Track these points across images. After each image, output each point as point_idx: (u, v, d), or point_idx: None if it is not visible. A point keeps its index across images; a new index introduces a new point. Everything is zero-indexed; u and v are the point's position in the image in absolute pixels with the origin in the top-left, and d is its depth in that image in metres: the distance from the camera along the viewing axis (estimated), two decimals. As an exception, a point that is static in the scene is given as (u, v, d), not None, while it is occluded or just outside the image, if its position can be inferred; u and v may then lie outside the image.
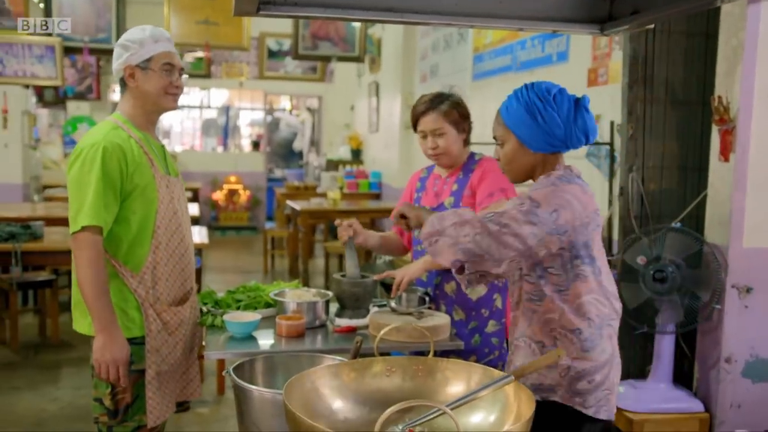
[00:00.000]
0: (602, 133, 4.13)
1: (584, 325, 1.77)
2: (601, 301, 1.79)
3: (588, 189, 1.80)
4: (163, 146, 2.37)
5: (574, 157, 4.34)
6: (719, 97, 3.00)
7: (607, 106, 4.08)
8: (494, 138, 1.90)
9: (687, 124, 3.40)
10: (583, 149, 4.27)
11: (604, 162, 4.10)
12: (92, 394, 2.22)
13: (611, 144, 4.00)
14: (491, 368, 1.63)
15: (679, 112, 3.36)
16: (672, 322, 3.10)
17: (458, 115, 2.58)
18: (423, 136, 2.61)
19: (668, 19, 2.90)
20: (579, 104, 1.83)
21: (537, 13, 1.73)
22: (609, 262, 3.49)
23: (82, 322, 2.23)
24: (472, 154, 2.71)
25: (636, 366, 3.37)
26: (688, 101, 3.37)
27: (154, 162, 2.22)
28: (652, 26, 2.98)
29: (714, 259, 3.01)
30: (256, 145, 12.71)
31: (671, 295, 3.04)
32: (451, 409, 1.28)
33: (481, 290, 2.54)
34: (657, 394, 3.11)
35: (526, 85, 1.85)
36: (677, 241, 3.05)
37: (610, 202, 4.00)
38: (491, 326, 2.56)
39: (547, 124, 1.78)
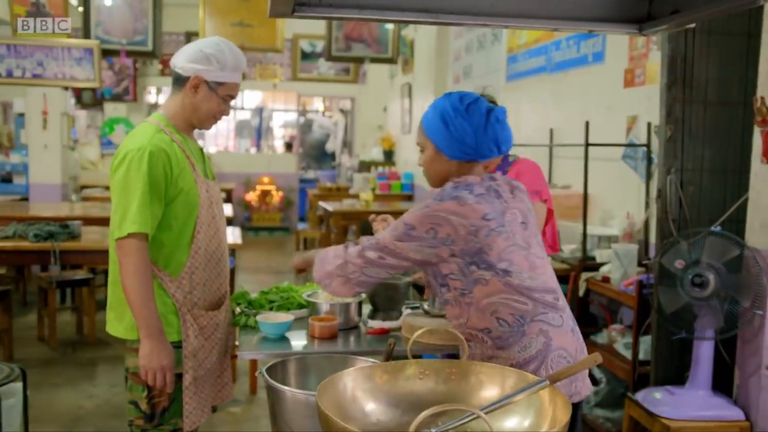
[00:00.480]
0: (639, 135, 4.07)
1: (494, 324, 1.82)
2: (516, 300, 1.81)
3: (469, 199, 1.79)
4: (201, 149, 2.36)
5: (610, 160, 4.28)
6: (761, 98, 2.93)
7: (643, 107, 4.01)
8: (417, 144, 1.98)
9: (727, 126, 3.32)
10: (619, 150, 4.21)
11: (641, 164, 4.04)
12: (127, 397, 2.22)
13: (648, 145, 3.93)
14: (525, 372, 1.60)
15: (720, 113, 3.29)
16: (711, 328, 3.03)
17: None
18: None
19: (709, 18, 2.84)
20: (491, 115, 1.87)
21: (574, 13, 1.70)
22: (645, 265, 3.45)
23: (116, 326, 2.21)
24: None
25: (674, 372, 3.31)
26: (729, 102, 3.30)
27: (195, 166, 2.21)
28: (693, 26, 2.93)
29: (755, 263, 2.93)
30: (289, 146, 12.79)
31: (710, 300, 2.97)
32: (486, 413, 1.27)
33: None
34: (696, 402, 3.04)
35: (445, 94, 1.94)
36: (717, 245, 2.98)
37: (647, 205, 3.93)
38: None
39: (458, 132, 1.85)
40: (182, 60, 2.19)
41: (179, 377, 2.17)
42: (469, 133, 1.85)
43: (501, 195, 1.87)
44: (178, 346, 2.16)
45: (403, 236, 1.80)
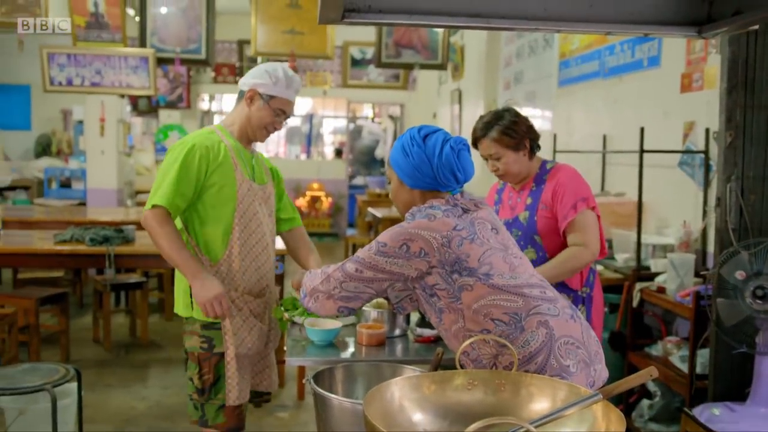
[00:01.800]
0: (696, 141, 3.95)
1: (491, 326, 1.84)
2: (506, 299, 1.84)
3: (438, 214, 1.87)
4: (252, 156, 2.59)
5: (666, 167, 4.17)
6: (828, 103, 2.81)
7: (702, 112, 3.89)
8: (386, 176, 2.11)
9: (790, 132, 3.20)
10: (675, 157, 4.10)
11: (699, 171, 3.92)
12: (187, 374, 2.51)
13: (706, 152, 3.81)
14: (577, 385, 1.56)
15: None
16: (773, 342, 2.91)
17: (511, 138, 2.59)
18: (484, 158, 2.68)
19: (771, 20, 2.74)
20: (445, 144, 1.95)
21: (629, 16, 1.66)
22: (703, 276, 3.34)
23: (178, 305, 2.51)
24: (544, 163, 2.70)
25: (734, 387, 3.19)
26: (792, 107, 3.17)
27: (239, 166, 2.45)
28: (755, 27, 2.83)
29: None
30: (338, 152, 12.87)
31: (773, 312, 2.86)
32: (536, 427, 1.23)
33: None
34: (757, 419, 2.93)
35: (409, 129, 2.03)
36: (780, 256, 2.86)
37: (705, 213, 3.82)
38: None
39: (417, 161, 1.95)
40: (245, 78, 2.52)
41: (222, 356, 2.42)
42: (426, 163, 1.94)
43: (467, 209, 1.95)
44: (219, 327, 2.42)
45: (378, 252, 1.87)
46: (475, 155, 2.32)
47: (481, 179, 7.79)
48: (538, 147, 2.69)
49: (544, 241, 2.61)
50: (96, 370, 4.85)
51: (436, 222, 1.85)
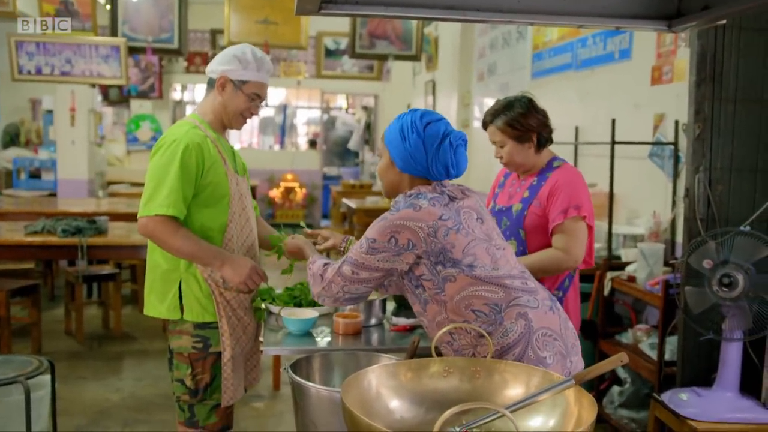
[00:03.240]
0: (666, 133, 4.02)
1: (471, 317, 1.86)
2: (487, 290, 1.86)
3: (423, 204, 1.87)
4: (232, 147, 2.52)
5: (637, 158, 4.24)
6: (792, 96, 2.88)
7: (671, 104, 3.96)
8: (377, 151, 2.01)
9: (758, 124, 3.27)
10: (646, 148, 4.17)
11: (668, 162, 3.99)
12: (174, 375, 2.39)
13: (676, 144, 3.88)
14: (551, 372, 1.60)
15: (750, 111, 3.23)
16: (740, 329, 2.99)
17: (515, 129, 2.54)
18: (492, 142, 2.65)
19: (740, 14, 2.80)
20: (446, 138, 1.93)
21: (601, 9, 1.69)
22: (671, 265, 3.41)
23: (158, 307, 2.37)
24: (552, 160, 2.65)
25: (701, 373, 3.27)
26: (759, 100, 3.24)
27: (227, 161, 2.38)
28: (723, 22, 2.88)
29: (784, 263, 2.88)
30: (312, 143, 12.83)
31: (739, 300, 2.93)
32: (511, 412, 1.26)
33: None
34: (723, 404, 3.00)
35: (411, 110, 2.02)
36: (746, 245, 2.93)
37: (674, 204, 3.89)
38: None
39: (412, 148, 1.93)
40: (212, 65, 2.41)
41: (219, 356, 2.34)
42: (421, 151, 1.93)
43: (454, 197, 1.95)
44: (215, 327, 2.32)
45: (368, 250, 1.87)
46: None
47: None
48: (550, 141, 2.64)
49: (528, 236, 2.58)
50: (69, 363, 4.81)
51: (421, 212, 1.85)
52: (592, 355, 3.86)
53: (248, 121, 2.50)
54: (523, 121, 2.54)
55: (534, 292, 1.93)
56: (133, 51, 6.88)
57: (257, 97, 2.42)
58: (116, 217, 5.58)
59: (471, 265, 1.86)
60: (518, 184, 2.69)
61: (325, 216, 11.95)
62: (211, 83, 2.42)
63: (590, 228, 2.56)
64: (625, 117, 4.27)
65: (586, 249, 2.56)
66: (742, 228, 3.03)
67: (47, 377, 3.13)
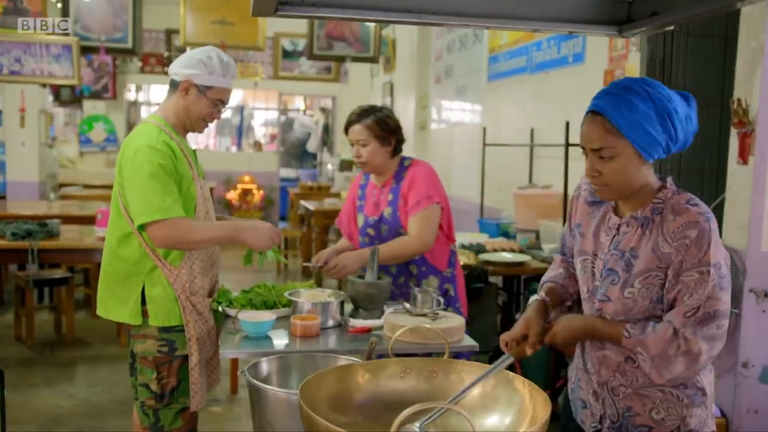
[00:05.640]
0: (618, 135, 4.10)
1: None
2: None
3: (704, 206, 1.64)
4: (194, 150, 2.51)
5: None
6: (738, 100, 2.97)
7: (623, 107, 4.04)
8: (592, 151, 1.69)
9: (705, 128, 3.35)
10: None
11: (620, 164, 4.07)
12: (138, 380, 2.36)
13: (627, 146, 3.97)
14: (507, 371, 1.62)
15: (697, 115, 3.33)
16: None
17: (382, 129, 2.79)
18: (351, 144, 2.85)
19: (687, 21, 2.88)
20: (690, 103, 1.69)
21: (554, 14, 1.72)
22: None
23: (120, 311, 2.34)
24: (402, 160, 2.90)
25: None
26: (706, 104, 3.34)
27: (192, 164, 2.38)
28: (671, 28, 2.97)
29: (732, 263, 2.97)
30: (257, 143, 12.73)
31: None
32: (456, 402, 1.28)
33: (433, 282, 2.77)
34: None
35: (630, 81, 1.64)
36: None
37: (626, 205, 3.97)
38: (450, 312, 2.65)
39: (680, 126, 1.62)
40: (176, 66, 2.37)
41: (185, 359, 2.33)
42: (683, 127, 1.62)
43: None
44: (180, 330, 2.31)
45: (723, 282, 1.57)
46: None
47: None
48: (401, 150, 2.89)
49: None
50: (19, 370, 4.68)
51: (706, 208, 1.62)
52: (547, 355, 3.92)
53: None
54: (389, 123, 2.81)
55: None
56: (85, 50, 6.75)
57: (220, 103, 2.41)
58: (69, 219, 5.46)
59: None
60: (379, 191, 2.92)
61: (283, 218, 11.88)
62: (173, 85, 2.38)
63: (444, 209, 2.83)
64: (579, 119, 4.31)
65: (444, 227, 2.83)
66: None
67: (-4, 385, 3.04)
